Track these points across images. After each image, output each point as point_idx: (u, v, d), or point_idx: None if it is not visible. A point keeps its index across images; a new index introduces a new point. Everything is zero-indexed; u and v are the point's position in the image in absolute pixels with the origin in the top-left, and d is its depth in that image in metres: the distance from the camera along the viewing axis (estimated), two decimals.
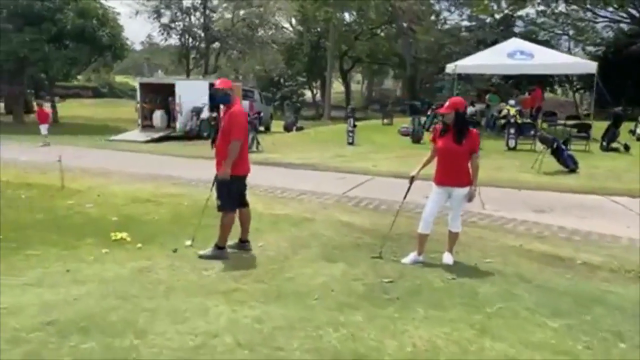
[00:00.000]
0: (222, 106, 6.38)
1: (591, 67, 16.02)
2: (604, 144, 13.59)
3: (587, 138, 13.33)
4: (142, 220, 6.50)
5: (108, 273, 4.57)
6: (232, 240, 5.34)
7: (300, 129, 22.74)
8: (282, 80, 37.66)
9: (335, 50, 34.33)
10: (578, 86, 31.41)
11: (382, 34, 40.07)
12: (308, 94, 43.85)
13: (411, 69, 38.77)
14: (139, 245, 5.44)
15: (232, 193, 5.09)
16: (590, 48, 31.61)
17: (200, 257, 5.06)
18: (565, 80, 31.29)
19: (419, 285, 4.44)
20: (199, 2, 32.15)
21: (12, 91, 22.80)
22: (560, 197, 8.54)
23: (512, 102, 16.79)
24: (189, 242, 5.46)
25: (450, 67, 18.25)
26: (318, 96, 44.14)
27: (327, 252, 5.35)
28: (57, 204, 7.27)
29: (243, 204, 5.34)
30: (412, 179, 5.32)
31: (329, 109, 33.75)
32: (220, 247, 5.11)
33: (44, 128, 15.56)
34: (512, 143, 13.92)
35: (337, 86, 45.53)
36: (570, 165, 10.71)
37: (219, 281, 4.44)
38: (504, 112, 16.75)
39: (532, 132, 14.02)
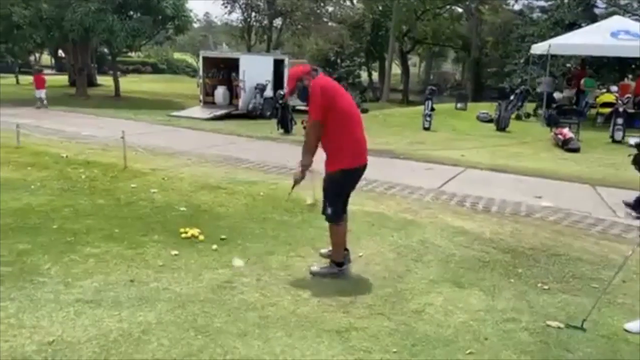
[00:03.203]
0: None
1: None
2: None
3: None
4: (214, 212, 5.52)
5: (181, 288, 3.58)
6: (328, 247, 4.23)
7: (365, 111, 21.40)
8: (338, 61, 36.15)
9: (396, 31, 32.49)
10: None
11: (446, 15, 37.76)
12: (364, 75, 42.21)
13: (477, 52, 36.43)
14: (215, 246, 4.44)
15: (343, 193, 3.93)
16: None
17: (313, 274, 3.96)
18: None
19: (611, 335, 3.19)
20: None
21: (76, 63, 22.63)
22: None
23: (614, 88, 14.81)
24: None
25: (540, 47, 16.42)
26: (375, 77, 42.44)
27: (450, 272, 4.16)
28: (119, 187, 6.43)
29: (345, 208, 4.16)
30: None
31: (387, 91, 32.16)
32: (338, 263, 3.98)
33: (40, 92, 16.85)
34: (618, 135, 12.11)
35: (394, 68, 43.63)
36: None
37: (324, 311, 3.35)
38: (602, 98, 14.84)
39: None
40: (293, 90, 3.94)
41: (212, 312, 3.22)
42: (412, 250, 4.63)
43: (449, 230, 5.24)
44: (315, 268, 4.02)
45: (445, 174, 8.35)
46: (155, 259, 4.12)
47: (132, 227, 4.91)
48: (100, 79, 30.32)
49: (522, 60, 26.15)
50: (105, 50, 28.83)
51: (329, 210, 3.86)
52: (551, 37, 19.05)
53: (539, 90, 17.53)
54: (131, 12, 20.77)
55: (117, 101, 21.64)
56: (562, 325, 3.27)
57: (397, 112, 19.39)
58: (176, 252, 4.28)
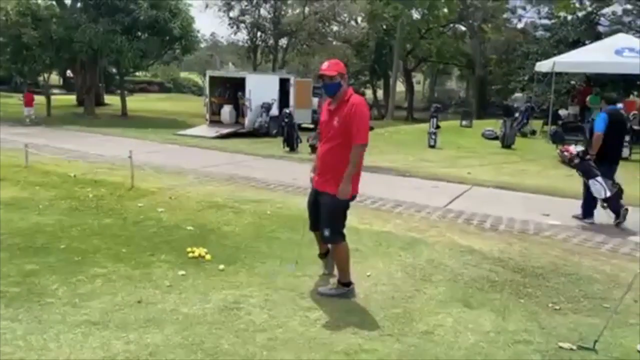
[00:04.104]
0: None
1: None
2: None
3: None
4: (221, 231, 5.52)
5: (189, 309, 3.57)
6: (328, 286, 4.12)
7: (370, 128, 21.46)
8: None
9: (400, 49, 32.77)
10: None
11: (449, 33, 38.10)
12: (368, 93, 42.47)
13: (481, 69, 36.65)
14: (222, 267, 4.43)
15: (343, 217, 3.86)
16: None
17: (321, 294, 3.93)
18: None
19: (624, 357, 3.13)
20: None
21: (84, 83, 22.92)
22: None
23: (619, 105, 14.79)
24: (291, 267, 4.39)
25: (545, 65, 16.44)
26: (379, 95, 42.70)
27: (459, 291, 4.12)
28: (126, 206, 6.45)
29: None
30: None
31: (392, 109, 32.29)
32: (345, 283, 3.94)
33: (29, 110, 18.44)
34: (625, 152, 12.03)
35: (398, 86, 43.89)
36: None
37: (333, 332, 3.32)
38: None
39: None
40: (333, 77, 3.69)
41: (220, 333, 3.20)
42: (421, 269, 4.60)
43: (457, 249, 5.21)
44: (323, 289, 3.99)
45: (451, 191, 8.33)
46: (162, 279, 4.11)
47: (139, 246, 4.91)
48: (108, 99, 30.66)
49: (526, 78, 26.25)
50: (113, 69, 29.19)
51: (329, 232, 3.81)
52: (555, 54, 19.13)
53: (516, 105, 17.78)
54: (139, 33, 21.10)
55: (124, 120, 21.86)
56: (574, 347, 3.22)
57: (402, 130, 19.43)
58: (183, 272, 4.27)
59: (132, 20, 19.95)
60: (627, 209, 6.41)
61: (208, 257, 4.67)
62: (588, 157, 6.37)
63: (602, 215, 6.49)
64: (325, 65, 3.84)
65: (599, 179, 6.17)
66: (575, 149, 11.65)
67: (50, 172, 8.48)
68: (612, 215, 6.37)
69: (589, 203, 6.55)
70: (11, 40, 19.46)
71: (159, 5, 20.42)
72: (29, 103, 18.59)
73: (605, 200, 6.29)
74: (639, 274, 3.52)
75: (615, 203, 6.34)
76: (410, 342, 3.21)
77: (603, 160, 6.34)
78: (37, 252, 4.58)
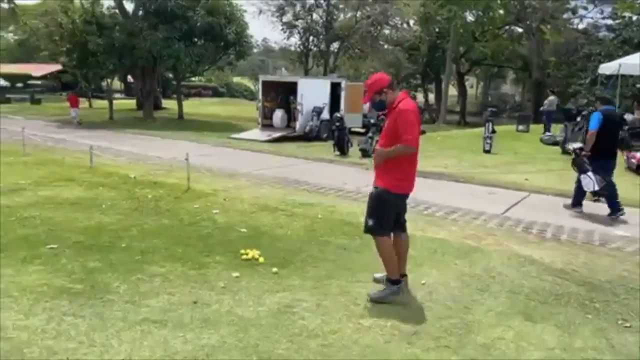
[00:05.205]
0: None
1: None
2: None
3: None
4: (274, 234, 5.55)
5: (243, 311, 3.59)
6: (384, 273, 4.14)
7: (422, 132, 21.10)
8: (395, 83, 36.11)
9: (453, 53, 32.08)
10: None
11: (504, 35, 36.93)
12: (419, 97, 41.86)
13: (538, 72, 35.27)
14: (275, 269, 4.45)
15: (388, 213, 3.91)
16: None
17: (373, 300, 3.87)
18: None
19: None
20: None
21: (143, 88, 23.86)
22: None
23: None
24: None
25: (609, 67, 15.66)
26: (431, 99, 42.02)
27: (520, 304, 3.94)
28: (182, 207, 6.62)
29: (400, 228, 4.12)
30: None
31: (444, 113, 31.62)
32: (393, 281, 3.92)
33: (74, 111, 20.08)
34: None
35: (450, 89, 42.99)
36: None
37: (387, 341, 3.25)
38: None
39: None
40: (371, 102, 4.00)
41: (274, 337, 3.20)
42: (478, 279, 4.44)
43: (516, 259, 5.00)
44: (374, 293, 3.95)
45: (509, 198, 8.04)
46: (217, 280, 4.17)
47: (194, 247, 5.02)
48: (165, 103, 31.78)
49: (587, 80, 25.08)
50: (170, 75, 30.22)
51: (372, 222, 3.89)
52: (619, 56, 18.17)
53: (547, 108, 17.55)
54: (195, 39, 21.72)
55: (181, 123, 22.55)
56: None
57: (455, 134, 19.01)
58: (237, 274, 4.31)
59: (189, 27, 20.59)
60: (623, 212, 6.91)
61: (261, 259, 4.71)
62: (583, 153, 6.97)
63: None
64: (368, 82, 4.08)
65: (590, 174, 6.76)
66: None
67: (112, 174, 8.85)
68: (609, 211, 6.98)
69: (578, 194, 7.17)
70: (77, 47, 20.52)
71: (215, 11, 20.97)
72: (74, 105, 20.17)
73: (594, 193, 6.97)
74: None
75: (581, 194, 7.12)
76: (469, 355, 3.09)
77: (600, 156, 6.87)
78: (100, 250, 4.77)
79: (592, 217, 6.96)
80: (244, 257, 4.76)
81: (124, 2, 22.14)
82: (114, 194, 7.22)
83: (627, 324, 3.63)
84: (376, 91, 3.90)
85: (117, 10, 22.12)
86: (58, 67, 31.51)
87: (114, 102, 25.13)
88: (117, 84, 43.23)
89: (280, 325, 3.39)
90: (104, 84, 29.91)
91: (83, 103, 29.60)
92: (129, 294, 3.78)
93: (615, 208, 6.94)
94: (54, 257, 4.52)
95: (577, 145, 7.32)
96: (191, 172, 8.03)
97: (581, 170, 6.94)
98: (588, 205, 7.53)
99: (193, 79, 39.00)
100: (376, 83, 3.93)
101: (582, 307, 3.91)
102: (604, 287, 4.35)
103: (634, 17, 28.03)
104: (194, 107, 31.51)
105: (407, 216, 4.20)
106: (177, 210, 6.47)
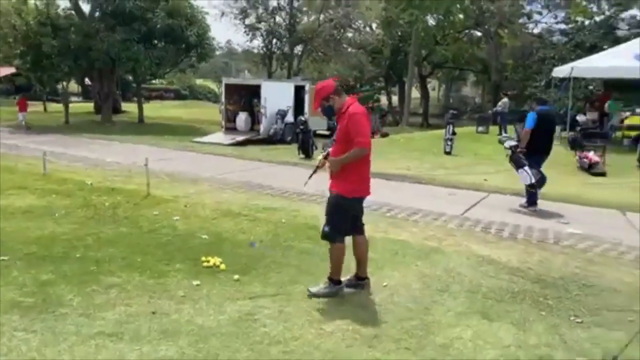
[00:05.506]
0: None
1: None
2: None
3: None
4: (236, 240, 5.49)
5: (204, 320, 3.53)
6: (346, 276, 4.19)
7: (385, 135, 21.40)
8: (358, 85, 36.46)
9: (415, 56, 32.65)
10: None
11: (464, 39, 37.89)
12: (383, 99, 42.34)
13: (496, 75, 36.30)
14: (236, 277, 4.39)
15: (345, 218, 3.98)
16: None
17: (311, 295, 3.97)
18: None
19: None
20: (286, 2, 31.71)
21: (101, 91, 23.22)
22: None
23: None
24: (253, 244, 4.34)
25: (563, 70, 16.24)
26: (394, 101, 42.59)
27: (478, 303, 4.03)
28: (141, 214, 6.47)
29: (358, 231, 4.17)
30: None
31: (407, 115, 32.10)
32: (334, 281, 4.03)
33: (22, 115, 19.54)
34: None
35: (413, 92, 43.69)
36: None
37: (348, 345, 3.26)
38: (629, 121, 14.58)
39: None
40: (321, 108, 4.08)
41: (235, 346, 3.16)
42: (438, 280, 4.51)
43: (475, 259, 5.11)
44: (313, 289, 4.02)
45: (468, 199, 8.22)
46: (176, 289, 4.08)
47: (154, 255, 4.91)
48: (125, 106, 31.03)
49: (542, 83, 25.96)
50: (130, 77, 29.56)
51: (328, 229, 3.96)
52: (572, 60, 18.87)
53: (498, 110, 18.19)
54: (155, 41, 21.32)
55: (141, 127, 22.07)
56: None
57: (418, 136, 19.30)
58: (198, 282, 4.24)
59: (148, 29, 20.19)
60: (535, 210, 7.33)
61: (223, 266, 4.64)
62: (519, 150, 7.34)
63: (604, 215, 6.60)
64: (316, 89, 4.25)
65: (527, 168, 7.17)
66: (593, 155, 11.46)
67: (67, 180, 8.56)
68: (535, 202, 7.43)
69: (532, 193, 7.46)
70: (31, 49, 19.81)
71: (176, 13, 20.64)
72: (22, 109, 19.61)
73: (531, 186, 7.29)
74: None
75: (534, 194, 7.43)
76: (428, 356, 3.13)
77: (534, 152, 7.27)
78: (53, 261, 4.60)
79: (547, 215, 7.19)
80: (205, 264, 4.68)
81: (80, 3, 21.53)
82: (69, 202, 6.99)
83: (579, 320, 3.77)
84: (323, 97, 4.00)
85: (73, 12, 21.46)
86: (12, 70, 30.33)
87: (71, 105, 24.30)
88: (74, 87, 42.02)
89: (241, 334, 3.35)
90: (59, 87, 28.93)
91: (37, 107, 28.62)
92: (82, 307, 3.66)
93: (534, 201, 7.41)
94: (4, 270, 4.34)
95: (513, 142, 7.67)
96: (151, 177, 7.86)
97: (518, 166, 7.30)
98: (542, 203, 7.79)
99: (154, 81, 38.32)
100: (323, 90, 4.03)
101: (536, 304, 4.03)
102: (557, 284, 4.50)
103: (586, 22, 29.25)
104: (155, 110, 30.90)
105: (370, 218, 4.26)
106: (135, 217, 6.31)
